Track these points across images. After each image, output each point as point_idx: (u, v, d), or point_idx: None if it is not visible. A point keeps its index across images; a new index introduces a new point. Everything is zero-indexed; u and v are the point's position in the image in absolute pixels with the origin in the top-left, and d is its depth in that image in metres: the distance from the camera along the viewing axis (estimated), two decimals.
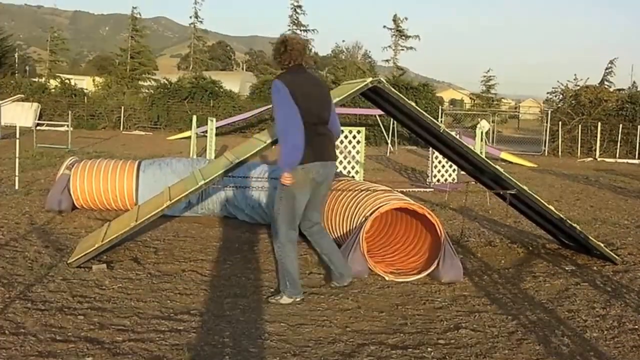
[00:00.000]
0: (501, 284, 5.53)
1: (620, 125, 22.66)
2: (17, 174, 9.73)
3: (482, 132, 13.32)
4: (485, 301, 4.98)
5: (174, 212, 7.56)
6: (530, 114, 45.22)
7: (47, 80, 35.52)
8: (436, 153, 11.37)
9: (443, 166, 12.34)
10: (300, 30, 51.66)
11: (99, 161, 8.30)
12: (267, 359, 3.68)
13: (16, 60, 51.48)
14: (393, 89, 5.74)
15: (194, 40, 54.18)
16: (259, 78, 38.89)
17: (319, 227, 5.00)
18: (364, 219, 5.60)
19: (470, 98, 52.11)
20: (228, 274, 5.48)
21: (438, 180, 12.30)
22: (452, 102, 60.68)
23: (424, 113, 5.93)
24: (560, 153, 23.12)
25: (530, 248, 6.93)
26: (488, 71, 46.27)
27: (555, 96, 26.71)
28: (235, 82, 37.59)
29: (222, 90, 28.76)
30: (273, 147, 5.28)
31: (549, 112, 24.73)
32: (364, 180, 9.78)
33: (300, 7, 50.66)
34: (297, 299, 4.74)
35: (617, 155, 22.28)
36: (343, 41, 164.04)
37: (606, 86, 28.47)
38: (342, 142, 10.68)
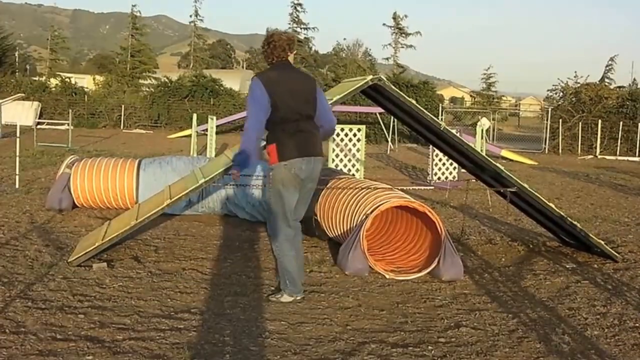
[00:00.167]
0: (502, 282, 5.52)
1: (621, 123, 22.64)
2: (17, 172, 9.73)
3: (482, 130, 13.32)
4: (485, 299, 4.98)
5: (174, 211, 7.56)
6: (530, 112, 45.15)
7: (47, 79, 35.45)
8: (437, 151, 11.36)
9: (444, 164, 12.34)
10: (301, 28, 51.74)
11: (99, 160, 8.30)
12: (267, 358, 3.68)
13: (16, 59, 51.40)
14: (393, 87, 5.74)
15: (194, 38, 54.25)
16: None
17: (297, 224, 4.89)
18: (364, 217, 5.60)
19: (471, 96, 52.10)
20: (228, 272, 5.48)
21: (439, 178, 12.30)
22: (453, 99, 60.69)
23: (425, 111, 5.93)
24: (560, 151, 23.11)
25: (531, 246, 6.92)
26: (488, 69, 46.11)
27: (556, 94, 26.72)
28: (236, 81, 37.52)
29: (222, 88, 28.76)
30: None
31: (550, 109, 24.71)
32: (364, 178, 9.78)
33: (300, 5, 50.72)
34: (298, 298, 4.74)
35: (618, 153, 22.27)
36: (344, 39, 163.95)
37: (606, 83, 28.42)
38: (342, 140, 10.68)
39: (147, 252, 6.01)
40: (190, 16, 52.54)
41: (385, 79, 5.73)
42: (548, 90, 27.61)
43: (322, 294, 4.95)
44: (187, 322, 4.17)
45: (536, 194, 6.25)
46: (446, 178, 12.31)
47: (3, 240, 6.17)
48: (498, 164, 6.26)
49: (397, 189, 6.45)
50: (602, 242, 6.39)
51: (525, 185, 6.21)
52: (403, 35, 47.96)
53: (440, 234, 5.52)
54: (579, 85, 25.28)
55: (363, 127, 10.99)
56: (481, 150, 9.82)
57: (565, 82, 25.75)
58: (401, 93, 5.77)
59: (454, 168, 12.39)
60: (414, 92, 26.24)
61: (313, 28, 53.12)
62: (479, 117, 20.59)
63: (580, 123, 23.33)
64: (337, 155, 10.71)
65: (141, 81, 36.57)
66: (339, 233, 6.15)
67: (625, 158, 21.55)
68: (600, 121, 22.75)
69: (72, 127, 19.35)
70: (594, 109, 23.83)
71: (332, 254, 6.15)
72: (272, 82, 4.48)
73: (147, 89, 31.76)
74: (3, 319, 4.04)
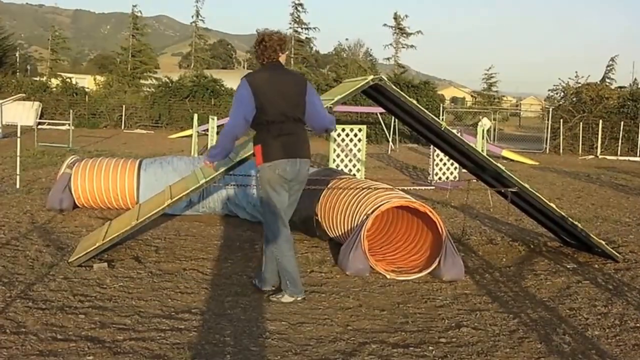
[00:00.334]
0: (502, 282, 5.52)
1: (622, 123, 22.63)
2: (18, 172, 9.74)
3: (483, 130, 13.31)
4: (486, 299, 4.98)
5: (175, 211, 7.56)
6: (531, 112, 45.11)
7: (48, 79, 35.48)
8: (437, 151, 11.36)
9: (444, 164, 12.34)
10: (302, 29, 51.77)
11: (100, 160, 8.30)
12: (268, 358, 3.68)
13: (17, 59, 51.48)
14: (394, 87, 5.74)
15: (195, 38, 54.21)
16: None
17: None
18: (365, 217, 5.60)
19: (472, 96, 52.04)
20: (229, 272, 5.48)
21: (439, 178, 12.30)
22: (454, 99, 60.66)
23: (425, 111, 5.92)
24: (561, 151, 23.10)
25: (532, 246, 6.92)
26: (489, 69, 46.13)
27: (557, 94, 26.73)
28: (237, 81, 37.39)
29: (223, 88, 28.76)
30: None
31: (550, 109, 24.71)
32: (365, 178, 9.77)
33: (301, 5, 50.75)
34: (299, 298, 4.74)
35: (619, 153, 22.25)
36: (346, 39, 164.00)
37: (607, 83, 28.44)
38: (343, 140, 10.68)
39: (148, 253, 6.01)
40: (192, 17, 52.52)
41: (386, 79, 5.72)
42: (549, 90, 27.66)
43: (322, 294, 4.95)
44: (188, 323, 4.17)
45: (537, 194, 6.24)
46: (447, 178, 12.31)
47: (4, 241, 6.18)
48: (499, 164, 6.26)
49: (398, 189, 6.45)
50: (603, 242, 6.39)
51: (526, 186, 6.20)
52: (404, 35, 47.99)
53: (441, 234, 5.52)
54: (579, 85, 25.29)
55: (364, 127, 10.99)
56: (482, 151, 9.81)
57: (566, 82, 25.79)
58: (402, 93, 5.76)
59: (455, 168, 12.38)
60: (415, 92, 26.25)
61: (314, 28, 53.16)
62: (480, 117, 20.61)
63: (581, 123, 23.32)
64: (338, 156, 10.71)
65: (142, 81, 36.60)
66: (340, 233, 6.15)
67: (626, 158, 21.54)
68: (601, 121, 22.74)
69: (72, 127, 19.35)
70: (595, 109, 23.82)
71: (333, 254, 6.15)
72: (260, 84, 4.49)
73: (148, 89, 31.78)
74: (4, 319, 4.04)
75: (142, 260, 5.70)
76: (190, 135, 16.37)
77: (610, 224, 8.52)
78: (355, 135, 10.70)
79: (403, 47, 48.18)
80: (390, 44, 48.23)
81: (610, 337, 4.21)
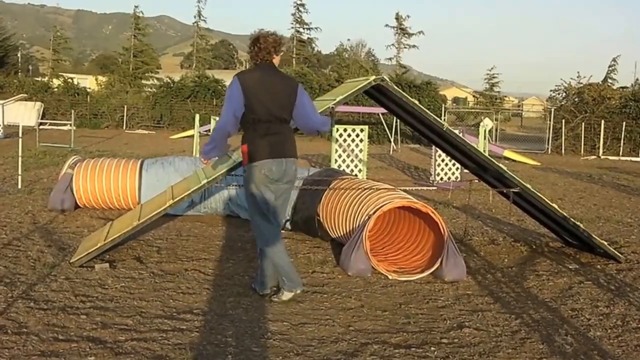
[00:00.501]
0: (504, 282, 5.51)
1: (624, 123, 22.61)
2: (20, 173, 9.75)
3: (485, 130, 13.31)
4: (488, 300, 4.97)
5: (176, 211, 7.57)
6: (533, 112, 45.04)
7: (50, 79, 35.48)
8: (439, 151, 11.35)
9: (446, 164, 12.33)
10: (303, 29, 51.82)
11: (101, 160, 8.31)
12: (269, 358, 3.67)
13: (19, 60, 51.57)
14: (396, 87, 5.73)
15: (197, 38, 54.23)
16: None
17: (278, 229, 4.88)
18: (367, 217, 5.59)
19: (474, 96, 51.98)
20: (231, 272, 5.48)
21: (441, 179, 12.29)
22: (455, 100, 60.67)
23: (427, 111, 5.92)
24: (563, 151, 23.08)
25: (534, 246, 6.91)
26: (491, 69, 46.00)
27: (559, 94, 26.67)
28: None
29: (224, 89, 28.74)
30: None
31: (552, 110, 24.67)
32: (366, 178, 9.77)
33: (303, 5, 50.79)
34: (298, 292, 4.72)
35: (621, 153, 22.23)
36: (348, 40, 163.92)
37: (609, 84, 28.37)
38: (345, 140, 10.67)
39: (150, 253, 6.01)
40: (194, 17, 52.55)
41: (388, 79, 5.72)
42: (551, 91, 27.60)
43: (324, 295, 4.94)
44: (190, 323, 4.17)
45: (539, 194, 6.23)
46: (449, 178, 12.30)
47: (5, 241, 6.18)
48: (501, 165, 6.25)
49: (400, 189, 6.44)
50: (605, 243, 6.38)
51: (528, 186, 6.19)
52: (406, 35, 47.99)
53: (443, 234, 5.52)
54: (581, 85, 25.24)
55: (366, 127, 11.00)
56: (484, 151, 9.81)
57: (568, 83, 25.74)
58: (404, 93, 5.75)
59: (457, 168, 12.37)
60: (417, 92, 26.25)
61: (316, 28, 53.25)
62: (482, 117, 20.60)
63: (583, 123, 23.29)
64: (339, 156, 10.71)
65: (144, 82, 36.60)
66: (342, 234, 6.15)
67: (628, 158, 21.51)
68: (603, 121, 22.71)
69: (74, 128, 19.37)
70: (597, 109, 23.79)
71: (335, 254, 6.15)
72: (251, 83, 4.51)
73: (150, 90, 31.78)
74: (5, 319, 4.04)
75: (143, 261, 5.70)
76: (192, 136, 16.38)
77: (613, 224, 8.51)
78: (357, 135, 10.70)
79: (405, 48, 48.22)
80: (392, 44, 48.29)
81: (613, 337, 4.20)
